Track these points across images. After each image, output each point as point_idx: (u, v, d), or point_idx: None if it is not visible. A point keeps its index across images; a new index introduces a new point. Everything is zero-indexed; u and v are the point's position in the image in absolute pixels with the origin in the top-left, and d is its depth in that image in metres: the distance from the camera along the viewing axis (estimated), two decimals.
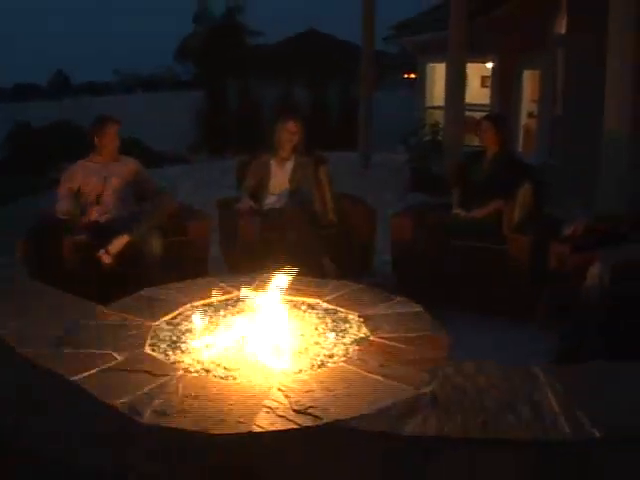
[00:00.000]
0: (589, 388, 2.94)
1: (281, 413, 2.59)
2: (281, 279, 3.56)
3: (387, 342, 3.33)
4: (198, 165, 16.65)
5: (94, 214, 5.81)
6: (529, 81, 15.97)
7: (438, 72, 17.44)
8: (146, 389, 2.77)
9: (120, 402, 2.66)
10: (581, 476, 2.56)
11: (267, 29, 39.07)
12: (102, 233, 5.56)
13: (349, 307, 3.81)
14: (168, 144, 19.17)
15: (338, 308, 3.82)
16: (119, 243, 5.43)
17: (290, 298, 3.76)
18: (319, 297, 3.96)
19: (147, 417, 2.57)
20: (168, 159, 17.17)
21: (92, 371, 2.94)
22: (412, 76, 23.60)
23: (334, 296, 3.99)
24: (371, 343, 3.33)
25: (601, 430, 2.53)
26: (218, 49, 32.84)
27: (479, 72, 17.65)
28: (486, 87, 17.70)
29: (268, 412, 2.59)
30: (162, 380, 2.85)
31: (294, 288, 3.90)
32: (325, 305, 3.87)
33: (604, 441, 2.51)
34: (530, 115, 16.06)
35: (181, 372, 2.95)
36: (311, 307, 3.84)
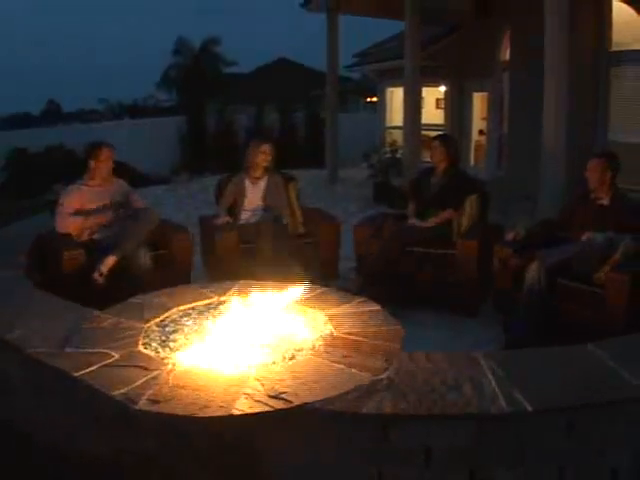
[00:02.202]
0: (524, 370, 3.11)
1: (258, 398, 2.73)
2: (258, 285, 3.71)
3: (349, 336, 3.48)
4: (180, 185, 16.66)
5: (91, 233, 5.88)
6: (478, 102, 16.16)
7: (396, 96, 17.57)
8: (140, 381, 2.90)
9: (119, 393, 2.80)
10: (517, 442, 2.73)
11: (241, 58, 39.12)
12: (97, 250, 5.65)
13: (316, 307, 3.96)
14: (152, 166, 19.13)
15: (307, 308, 3.97)
16: (109, 263, 5.52)
17: (265, 300, 3.90)
18: (291, 299, 4.06)
19: (142, 405, 2.71)
20: (152, 180, 17.16)
21: (93, 367, 3.05)
22: (373, 100, 23.76)
23: (304, 298, 4.11)
24: (335, 337, 3.48)
25: (533, 405, 2.71)
26: (197, 78, 32.94)
27: (434, 95, 17.80)
28: (440, 108, 17.86)
29: (247, 398, 2.74)
30: (154, 373, 2.98)
31: (269, 292, 4.06)
32: (296, 306, 4.00)
33: (535, 413, 2.69)
34: (481, 132, 16.24)
35: (170, 366, 3.08)
36: (284, 308, 3.97)
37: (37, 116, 53.25)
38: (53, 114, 53.82)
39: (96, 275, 5.43)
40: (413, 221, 6.52)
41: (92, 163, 6.07)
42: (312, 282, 5.03)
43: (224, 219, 6.64)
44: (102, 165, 6.07)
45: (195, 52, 35.12)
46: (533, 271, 5.12)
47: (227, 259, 6.22)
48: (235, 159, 21.48)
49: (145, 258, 5.66)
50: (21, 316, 3.85)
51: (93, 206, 5.99)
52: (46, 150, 19.39)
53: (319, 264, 6.56)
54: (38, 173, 16.80)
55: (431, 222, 6.43)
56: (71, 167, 17.44)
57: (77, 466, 3.07)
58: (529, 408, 2.69)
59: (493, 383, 2.89)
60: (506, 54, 13.70)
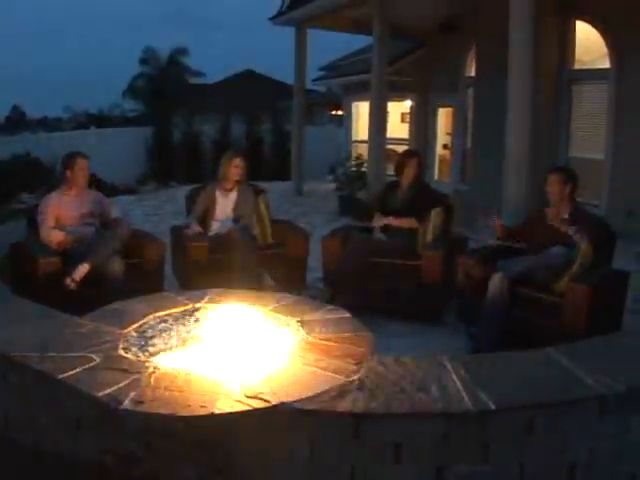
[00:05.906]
0: (487, 372, 3.28)
1: (237, 398, 2.87)
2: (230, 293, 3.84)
3: (321, 341, 3.63)
4: (146, 195, 16.70)
5: (69, 242, 5.96)
6: (443, 117, 16.40)
7: (362, 109, 17.73)
8: (123, 383, 3.00)
9: (103, 394, 2.91)
10: (480, 437, 2.90)
11: (208, 69, 39.28)
12: (72, 258, 5.76)
13: (289, 314, 4.09)
14: (119, 176, 19.10)
15: (280, 315, 4.10)
16: (81, 271, 5.63)
17: (239, 307, 4.03)
18: (263, 306, 4.24)
19: (126, 405, 2.82)
20: (119, 190, 17.18)
21: (76, 370, 3.15)
22: (339, 113, 23.94)
23: (276, 305, 4.27)
24: (308, 342, 3.62)
25: (495, 403, 2.89)
26: (164, 88, 32.98)
27: (399, 109, 17.99)
28: (406, 123, 18.05)
29: (226, 398, 2.87)
30: (136, 376, 3.09)
31: (241, 300, 4.21)
32: (269, 313, 4.15)
33: (497, 411, 2.87)
34: (445, 147, 16.47)
35: (151, 369, 3.18)
36: (257, 314, 4.10)
37: (1, 122, 52.35)
38: (17, 121, 53.07)
39: (68, 281, 5.54)
40: (379, 234, 6.69)
41: (68, 173, 6.20)
42: (282, 291, 5.19)
43: (195, 229, 6.77)
44: (78, 175, 6.20)
45: (162, 62, 35.22)
46: (496, 281, 5.33)
47: (198, 268, 6.34)
48: (201, 170, 21.54)
49: (117, 267, 5.77)
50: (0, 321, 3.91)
51: (70, 214, 6.11)
52: (12, 158, 19.24)
53: (288, 274, 6.72)
54: (3, 181, 16.69)
55: (394, 221, 6.66)
56: (37, 176, 17.43)
57: (60, 468, 3.17)
58: (492, 407, 2.87)
59: (458, 384, 3.06)
60: (471, 70, 13.99)
